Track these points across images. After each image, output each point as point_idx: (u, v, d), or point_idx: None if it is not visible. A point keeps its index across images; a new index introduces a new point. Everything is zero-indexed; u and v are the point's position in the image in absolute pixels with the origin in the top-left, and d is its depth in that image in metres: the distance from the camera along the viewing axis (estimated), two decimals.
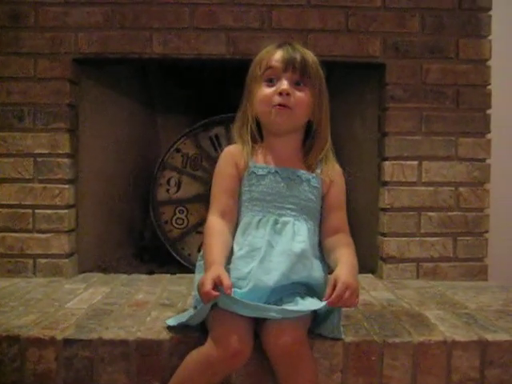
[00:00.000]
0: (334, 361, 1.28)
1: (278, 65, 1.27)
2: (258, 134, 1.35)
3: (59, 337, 1.28)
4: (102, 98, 2.12)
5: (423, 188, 1.96)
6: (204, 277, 1.13)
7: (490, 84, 1.96)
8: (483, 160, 1.97)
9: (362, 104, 2.16)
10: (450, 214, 1.97)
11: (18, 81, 1.91)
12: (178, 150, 2.21)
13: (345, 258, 1.25)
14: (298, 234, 1.27)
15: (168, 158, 2.20)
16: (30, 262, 1.92)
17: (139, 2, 1.91)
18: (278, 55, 1.28)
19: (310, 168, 1.33)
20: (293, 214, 1.29)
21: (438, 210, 1.96)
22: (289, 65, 1.26)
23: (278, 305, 1.19)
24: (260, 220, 1.28)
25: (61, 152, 1.91)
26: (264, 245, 1.24)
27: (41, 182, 1.92)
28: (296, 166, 1.32)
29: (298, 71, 1.26)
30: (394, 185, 1.96)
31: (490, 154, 1.97)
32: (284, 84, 1.26)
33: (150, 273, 2.03)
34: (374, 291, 1.77)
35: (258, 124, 1.35)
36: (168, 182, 2.21)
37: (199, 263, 1.36)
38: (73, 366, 1.27)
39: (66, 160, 1.92)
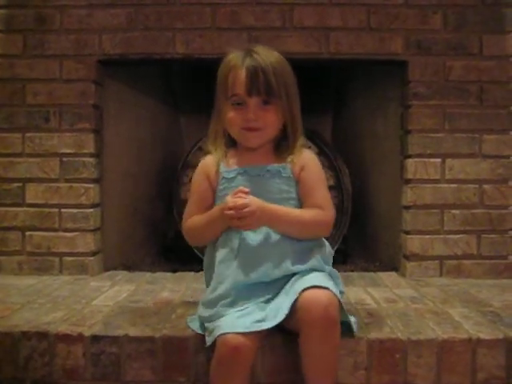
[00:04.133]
0: (359, 358, 1.29)
1: (242, 92, 1.26)
2: (231, 141, 1.37)
3: (87, 333, 1.30)
4: (126, 98, 2.15)
5: (446, 185, 1.95)
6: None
7: None
8: (507, 157, 1.95)
9: (384, 101, 2.16)
10: (473, 211, 1.95)
11: (44, 82, 1.95)
12: (200, 149, 2.22)
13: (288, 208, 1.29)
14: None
15: (191, 157, 2.22)
16: (57, 260, 1.96)
17: (162, 3, 1.93)
18: (241, 79, 1.26)
19: (281, 161, 1.33)
20: None
21: (462, 207, 1.95)
22: (253, 90, 1.25)
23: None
24: None
25: (86, 152, 1.95)
26: (238, 243, 1.27)
27: (67, 181, 1.95)
28: (267, 161, 1.33)
29: (263, 94, 1.26)
30: (417, 182, 1.95)
31: None
32: (250, 112, 1.26)
33: (174, 271, 2.05)
34: (398, 289, 1.77)
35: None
36: (191, 180, 2.21)
37: (204, 276, 1.40)
38: (100, 361, 1.30)
39: (91, 160, 1.95)
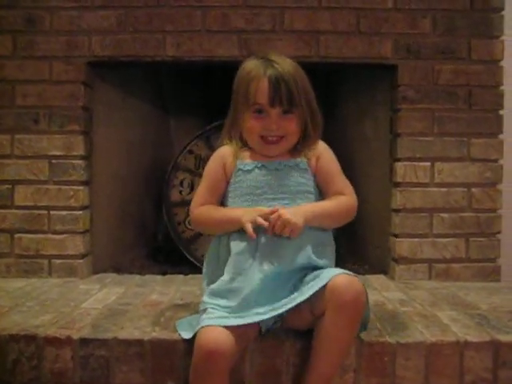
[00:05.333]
0: (347, 361, 1.29)
1: (264, 102, 1.29)
2: (245, 144, 1.38)
3: (75, 336, 1.30)
4: (115, 100, 2.14)
5: (435, 189, 1.96)
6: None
7: (502, 84, 1.96)
8: (495, 161, 1.97)
9: (373, 105, 2.17)
10: (462, 214, 1.96)
11: (34, 84, 1.94)
12: (190, 152, 2.22)
13: (316, 203, 1.33)
14: None
15: (181, 159, 2.22)
16: (46, 262, 1.95)
17: (152, 5, 1.93)
18: (264, 89, 1.28)
19: (296, 156, 1.36)
20: (285, 202, 1.30)
21: (451, 210, 1.96)
22: (275, 101, 1.28)
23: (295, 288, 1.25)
24: None
25: (75, 154, 1.94)
26: (262, 236, 1.26)
27: (56, 183, 1.94)
28: (283, 157, 1.36)
29: (285, 104, 1.29)
30: (406, 186, 1.96)
31: (503, 155, 1.97)
32: (272, 123, 1.29)
33: (164, 273, 2.04)
34: (387, 292, 1.78)
35: None
36: (181, 183, 2.22)
37: (205, 270, 1.38)
38: (89, 365, 1.29)
39: (80, 162, 1.94)
